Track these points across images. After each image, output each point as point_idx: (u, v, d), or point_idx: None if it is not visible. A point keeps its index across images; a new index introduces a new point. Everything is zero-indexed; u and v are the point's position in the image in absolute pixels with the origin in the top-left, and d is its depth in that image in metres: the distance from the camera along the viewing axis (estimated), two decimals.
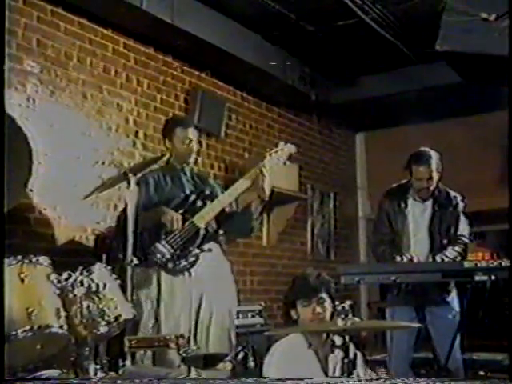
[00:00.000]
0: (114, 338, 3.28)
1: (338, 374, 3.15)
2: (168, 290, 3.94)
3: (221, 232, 4.17)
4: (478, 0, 3.89)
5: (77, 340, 3.04)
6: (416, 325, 3.99)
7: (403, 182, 4.58)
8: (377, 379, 3.41)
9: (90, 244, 4.66)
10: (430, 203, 4.50)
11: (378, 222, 4.64)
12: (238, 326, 4.39)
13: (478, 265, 3.80)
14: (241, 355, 4.16)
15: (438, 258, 4.27)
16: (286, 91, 6.45)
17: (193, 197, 4.14)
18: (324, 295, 3.39)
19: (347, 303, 2.85)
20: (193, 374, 3.01)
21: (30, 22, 4.40)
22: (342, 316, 2.82)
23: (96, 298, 3.10)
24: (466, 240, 4.46)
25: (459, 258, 4.33)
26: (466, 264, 3.88)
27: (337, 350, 3.04)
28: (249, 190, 4.14)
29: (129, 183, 3.57)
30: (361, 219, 8.04)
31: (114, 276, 3.29)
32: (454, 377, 4.08)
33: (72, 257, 4.25)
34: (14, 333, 2.80)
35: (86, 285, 3.09)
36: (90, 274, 3.15)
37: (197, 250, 3.99)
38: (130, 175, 3.58)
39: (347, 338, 2.86)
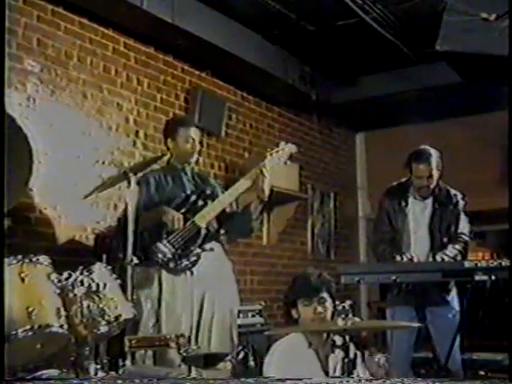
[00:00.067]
0: (114, 337, 3.28)
1: (338, 373, 3.15)
2: (169, 289, 3.95)
3: (222, 231, 4.17)
4: (478, 0, 3.88)
5: (77, 339, 3.04)
6: (416, 324, 3.99)
7: (403, 180, 4.58)
8: (377, 379, 3.41)
9: (90, 243, 4.66)
10: (430, 201, 4.50)
11: (378, 220, 4.64)
12: (238, 326, 4.39)
13: (478, 264, 3.80)
14: (241, 355, 4.16)
15: (438, 257, 4.27)
16: (287, 91, 6.45)
17: (194, 196, 4.15)
18: (325, 295, 3.39)
19: (347, 303, 2.85)
20: (193, 373, 3.01)
21: (31, 21, 4.40)
22: (343, 316, 2.82)
23: (96, 298, 3.10)
24: (467, 238, 4.46)
25: (459, 256, 4.33)
26: (466, 264, 3.88)
27: (337, 350, 3.04)
28: (249, 190, 4.14)
29: (129, 183, 3.57)
30: (361, 219, 8.05)
31: (114, 276, 3.29)
32: (453, 377, 4.08)
33: (72, 256, 4.24)
34: (14, 332, 2.80)
35: (86, 284, 3.09)
36: (91, 273, 3.14)
37: (198, 250, 3.99)
38: (131, 175, 3.58)
39: (347, 337, 2.86)
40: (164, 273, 3.96)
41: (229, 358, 3.53)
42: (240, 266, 5.67)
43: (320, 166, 7.37)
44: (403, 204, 4.51)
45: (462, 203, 4.50)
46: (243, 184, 4.12)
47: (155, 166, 4.24)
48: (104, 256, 3.51)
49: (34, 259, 3.02)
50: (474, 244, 5.44)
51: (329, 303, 3.37)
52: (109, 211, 4.79)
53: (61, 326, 2.93)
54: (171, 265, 3.95)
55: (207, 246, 4.03)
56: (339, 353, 2.96)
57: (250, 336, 4.68)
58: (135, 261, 3.50)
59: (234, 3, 5.29)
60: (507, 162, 4.25)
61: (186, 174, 4.30)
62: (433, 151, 4.45)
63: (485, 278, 3.71)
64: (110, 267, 3.30)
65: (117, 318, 3.13)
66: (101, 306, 3.09)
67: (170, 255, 3.95)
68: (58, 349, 3.04)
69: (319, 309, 3.35)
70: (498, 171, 6.34)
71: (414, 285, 4.05)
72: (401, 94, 6.68)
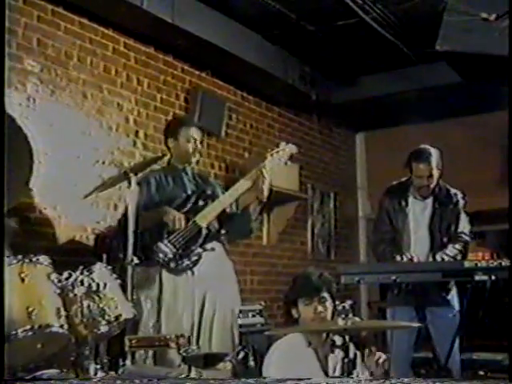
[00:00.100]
0: (115, 337, 3.28)
1: (338, 373, 3.16)
2: (170, 289, 3.95)
3: (223, 231, 4.17)
4: (479, 0, 3.88)
5: (77, 339, 3.04)
6: (416, 324, 3.99)
7: (403, 179, 4.58)
8: (377, 379, 3.41)
9: (90, 243, 4.66)
10: (430, 201, 4.50)
11: (378, 220, 4.65)
12: (239, 326, 4.39)
13: (478, 264, 3.80)
14: (241, 355, 4.16)
15: (438, 257, 4.27)
16: (287, 91, 6.44)
17: (195, 196, 4.16)
18: (325, 294, 3.40)
19: (347, 303, 2.85)
20: (193, 373, 3.01)
21: (31, 21, 4.40)
22: (343, 316, 2.82)
23: (96, 298, 3.10)
24: (467, 237, 4.46)
25: (459, 255, 4.33)
26: (466, 264, 3.88)
27: (337, 350, 3.04)
28: (248, 191, 4.14)
29: (129, 183, 3.57)
30: (361, 219, 8.04)
31: (115, 275, 3.29)
32: (452, 377, 4.08)
33: (72, 256, 4.24)
34: (14, 332, 2.80)
35: (86, 284, 3.09)
36: (91, 273, 3.15)
37: (199, 249, 3.99)
38: (131, 175, 3.59)
39: (347, 337, 2.86)
40: (165, 273, 3.96)
41: (229, 358, 3.52)
42: (240, 266, 5.66)
43: (320, 166, 7.37)
44: (403, 204, 4.51)
45: (462, 202, 4.51)
46: (243, 185, 4.12)
47: (155, 167, 4.25)
48: (104, 256, 3.51)
49: (34, 259, 3.02)
50: (473, 244, 5.43)
51: (329, 303, 3.39)
52: (109, 211, 4.79)
53: (61, 326, 2.93)
54: (172, 265, 3.96)
55: (208, 245, 4.04)
56: (339, 353, 2.96)
57: (250, 336, 4.68)
58: (135, 261, 3.51)
59: (234, 3, 5.29)
60: (507, 162, 4.25)
61: (186, 174, 4.31)
62: (433, 150, 4.45)
63: (485, 278, 3.71)
64: (110, 267, 3.30)
65: (117, 317, 3.14)
66: (101, 305, 3.09)
67: (171, 255, 3.95)
68: (58, 349, 3.04)
69: (319, 308, 3.36)
70: (498, 171, 6.33)
71: (414, 285, 4.05)
72: (401, 94, 6.68)
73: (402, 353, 4.33)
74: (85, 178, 4.52)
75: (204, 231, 4.05)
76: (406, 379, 2.71)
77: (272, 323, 5.40)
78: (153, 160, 4.23)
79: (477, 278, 3.74)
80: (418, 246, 4.44)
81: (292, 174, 6.36)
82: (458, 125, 7.03)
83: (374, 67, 6.47)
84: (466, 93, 6.25)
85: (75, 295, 3.07)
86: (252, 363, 3.94)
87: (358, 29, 5.54)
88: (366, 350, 3.20)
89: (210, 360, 3.16)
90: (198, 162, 4.54)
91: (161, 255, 3.94)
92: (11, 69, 4.18)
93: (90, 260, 3.42)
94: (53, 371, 3.01)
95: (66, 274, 3.10)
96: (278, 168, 4.28)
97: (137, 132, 5.15)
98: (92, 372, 3.02)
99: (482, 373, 4.77)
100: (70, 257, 4.18)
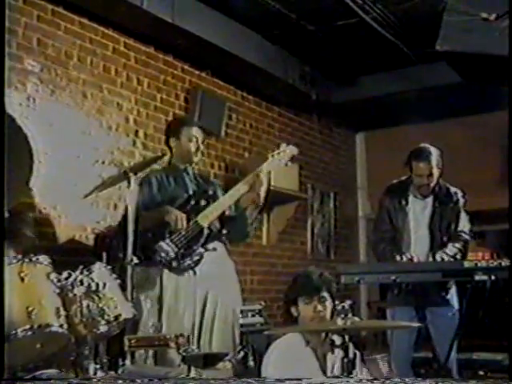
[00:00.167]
0: (114, 337, 3.28)
1: (336, 372, 3.16)
2: (172, 289, 3.95)
3: (224, 232, 4.17)
4: (478, 0, 3.88)
5: (77, 339, 3.04)
6: (416, 324, 3.99)
7: (403, 178, 4.58)
8: (376, 379, 3.41)
9: (90, 243, 4.66)
10: (430, 200, 4.50)
11: (378, 219, 4.64)
12: (240, 325, 4.39)
13: (478, 264, 3.80)
14: (240, 354, 4.16)
15: (437, 256, 4.27)
16: (287, 91, 6.44)
17: (196, 196, 4.16)
18: (325, 294, 3.41)
19: (347, 303, 2.85)
20: (193, 373, 3.01)
21: (31, 21, 4.40)
22: (342, 315, 2.82)
23: (96, 298, 3.10)
24: (467, 236, 4.46)
25: (459, 254, 4.33)
26: (466, 264, 3.88)
27: (336, 350, 3.04)
28: (246, 195, 4.15)
29: (129, 182, 3.57)
30: (361, 219, 8.05)
31: (114, 275, 3.29)
32: (452, 376, 4.08)
33: (72, 256, 4.24)
34: (13, 332, 2.80)
35: (85, 284, 3.09)
36: (90, 273, 3.15)
37: (201, 249, 3.99)
38: (131, 174, 3.59)
39: (347, 337, 2.86)
40: (166, 272, 3.95)
41: (228, 357, 3.53)
42: (240, 266, 5.66)
43: (320, 166, 7.37)
44: (403, 203, 4.51)
45: (462, 201, 4.51)
46: (240, 188, 4.12)
47: (156, 167, 4.25)
48: (104, 256, 3.51)
49: (33, 259, 3.02)
50: (473, 244, 5.44)
51: (329, 302, 3.40)
52: (109, 211, 4.80)
53: (60, 326, 2.93)
54: (174, 264, 3.95)
55: (210, 245, 4.04)
56: (338, 352, 2.96)
57: (249, 336, 4.68)
58: (135, 260, 3.51)
59: (234, 3, 5.28)
60: (507, 161, 4.24)
61: (187, 173, 4.31)
62: (433, 149, 4.45)
63: (485, 277, 3.71)
64: (109, 267, 3.30)
65: (116, 317, 3.14)
66: (100, 305, 3.10)
67: (173, 254, 3.95)
68: (57, 348, 3.04)
69: (319, 307, 3.38)
70: (497, 171, 6.33)
71: (414, 285, 4.05)
72: (401, 94, 6.68)
73: (403, 353, 4.34)
74: (85, 177, 4.52)
75: (206, 231, 4.05)
76: (406, 379, 2.71)
77: (272, 323, 5.40)
78: (152, 160, 4.23)
79: (477, 277, 3.74)
80: (418, 245, 4.44)
81: (292, 173, 6.36)
82: (458, 125, 7.03)
83: (374, 67, 6.47)
84: (466, 93, 6.24)
85: (75, 295, 3.07)
86: (251, 363, 3.95)
87: (358, 29, 5.54)
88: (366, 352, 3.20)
89: (209, 360, 3.16)
90: (199, 162, 4.54)
91: (163, 254, 3.94)
92: (11, 69, 4.18)
93: (89, 260, 3.43)
94: (52, 371, 3.01)
95: (65, 274, 3.10)
96: (279, 169, 4.28)
97: (137, 132, 5.15)
98: (91, 372, 3.03)
99: (481, 373, 4.77)
100: (70, 256, 4.18)
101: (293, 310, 3.47)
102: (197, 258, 3.98)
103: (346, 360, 2.82)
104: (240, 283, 4.39)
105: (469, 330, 4.17)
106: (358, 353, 2.93)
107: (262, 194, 4.14)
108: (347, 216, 7.81)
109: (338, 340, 2.91)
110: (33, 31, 4.41)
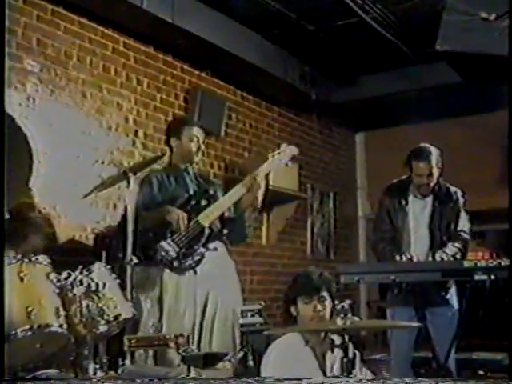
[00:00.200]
0: (114, 337, 3.28)
1: (335, 372, 3.16)
2: (173, 288, 3.95)
3: (225, 231, 4.17)
4: None
5: (76, 339, 3.04)
6: (415, 324, 3.99)
7: (403, 177, 4.58)
8: (376, 379, 3.41)
9: (89, 243, 4.66)
10: (430, 199, 4.50)
11: (378, 219, 4.64)
12: (240, 325, 4.39)
13: (478, 264, 3.79)
14: (240, 354, 4.16)
15: (437, 256, 4.27)
16: (286, 91, 6.44)
17: (197, 196, 4.16)
18: (325, 294, 3.41)
19: (347, 302, 2.85)
20: (192, 373, 3.01)
21: (30, 21, 4.40)
22: (342, 315, 2.81)
23: (95, 297, 3.10)
24: (466, 236, 4.45)
25: (459, 254, 4.32)
26: (466, 263, 3.87)
27: (336, 350, 3.04)
28: (244, 197, 4.15)
29: (128, 182, 3.58)
30: (360, 219, 8.05)
31: (114, 275, 3.29)
32: (452, 376, 4.08)
33: (72, 256, 4.24)
34: (13, 332, 2.80)
35: (85, 284, 3.10)
36: (90, 273, 3.15)
37: (202, 249, 3.99)
38: (130, 174, 3.59)
39: (346, 337, 2.86)
40: (167, 272, 3.95)
41: (228, 357, 3.53)
42: (240, 266, 5.66)
43: (320, 166, 7.37)
44: (403, 202, 4.50)
45: (461, 200, 4.50)
46: (239, 190, 4.11)
47: (156, 167, 4.25)
48: (103, 255, 3.51)
49: (33, 259, 3.02)
50: (473, 244, 5.43)
51: (328, 302, 3.40)
52: (108, 211, 4.80)
53: (60, 326, 2.93)
54: (175, 264, 3.95)
55: (211, 245, 4.04)
56: (338, 352, 2.96)
57: (249, 336, 4.68)
58: (135, 260, 3.51)
59: (234, 3, 5.28)
60: (507, 161, 4.24)
61: (188, 173, 4.31)
62: (433, 149, 4.45)
63: (484, 277, 3.71)
64: (109, 267, 3.30)
65: (116, 317, 3.14)
66: (100, 305, 3.10)
67: (174, 254, 3.95)
68: (57, 348, 3.04)
69: (319, 307, 3.38)
70: (497, 171, 6.34)
71: (414, 284, 4.05)
72: (401, 94, 6.68)
73: (403, 353, 4.34)
74: (84, 177, 4.52)
75: (207, 231, 4.05)
76: (406, 379, 2.71)
77: (271, 323, 5.40)
78: (152, 160, 4.23)
79: (476, 277, 3.73)
80: (417, 244, 4.44)
81: (291, 173, 6.36)
82: (458, 124, 7.03)
83: (373, 67, 6.47)
84: (465, 92, 6.25)
85: (74, 295, 3.07)
86: (251, 363, 3.95)
87: (358, 28, 5.54)
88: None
89: (209, 360, 3.16)
90: (199, 161, 4.54)
91: (164, 254, 3.93)
92: (11, 68, 4.18)
93: (89, 260, 3.42)
94: (52, 371, 3.01)
95: (65, 274, 3.10)
96: (279, 170, 4.28)
97: (136, 132, 5.15)
98: (91, 372, 3.03)
99: (481, 372, 4.77)
100: (70, 256, 4.18)
101: (292, 309, 3.48)
102: (198, 257, 3.98)
103: (345, 360, 2.81)
104: (240, 283, 4.39)
105: (468, 330, 4.17)
106: (357, 353, 2.92)
107: (260, 197, 4.14)
108: (347, 216, 7.81)
109: (337, 340, 2.91)
110: (32, 31, 4.41)
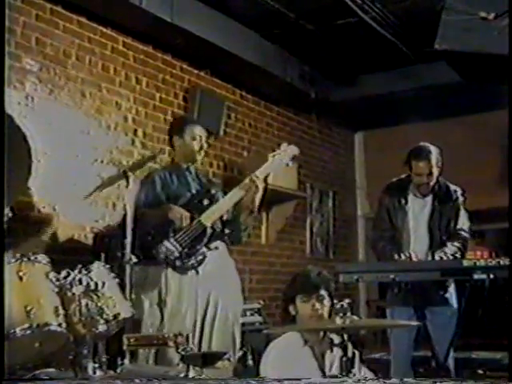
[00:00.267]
0: (113, 336, 3.28)
1: (334, 371, 3.16)
2: (175, 288, 3.94)
3: (227, 231, 4.16)
4: None
5: (75, 338, 3.04)
6: (415, 323, 3.99)
7: (403, 176, 4.57)
8: (376, 379, 3.41)
9: (88, 242, 4.66)
10: (429, 199, 4.49)
11: (378, 218, 4.64)
12: (242, 324, 4.40)
13: (477, 263, 3.79)
14: (239, 353, 4.16)
15: (437, 255, 4.27)
16: (286, 90, 6.44)
17: (199, 196, 4.16)
18: (323, 292, 3.42)
19: (346, 301, 2.85)
20: (191, 372, 3.01)
21: (29, 20, 4.40)
22: (341, 314, 2.81)
23: (95, 297, 3.10)
24: (466, 234, 4.45)
25: (459, 253, 4.32)
26: (465, 262, 3.87)
27: (335, 349, 3.04)
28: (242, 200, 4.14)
29: (127, 182, 3.58)
30: (360, 218, 8.05)
31: (113, 274, 3.29)
32: (451, 375, 4.08)
33: (71, 255, 4.24)
34: (12, 331, 2.80)
35: (84, 283, 3.09)
36: (89, 272, 3.15)
37: (204, 249, 3.99)
38: (129, 174, 3.59)
39: (345, 336, 2.86)
40: (169, 271, 3.95)
41: (227, 356, 3.52)
42: (239, 265, 5.66)
43: (319, 165, 7.37)
44: (403, 202, 4.50)
45: (461, 199, 4.50)
46: (238, 192, 4.10)
47: (155, 166, 4.25)
48: (103, 255, 3.51)
49: (32, 258, 3.02)
50: (473, 243, 5.43)
51: (327, 301, 3.41)
52: (107, 210, 4.79)
53: (59, 325, 2.93)
54: (178, 263, 3.95)
55: (212, 245, 4.04)
56: (337, 351, 2.96)
57: (248, 335, 4.68)
58: (134, 259, 3.51)
59: (233, 2, 5.29)
60: (507, 161, 4.25)
61: (190, 173, 4.31)
62: (432, 148, 4.44)
63: (483, 276, 3.71)
64: (108, 266, 3.30)
65: (115, 316, 3.14)
66: (99, 304, 3.10)
67: (177, 253, 3.94)
68: (56, 348, 3.04)
69: (317, 305, 3.38)
70: (497, 170, 6.34)
71: (413, 283, 4.05)
72: (400, 93, 6.67)
73: (402, 352, 4.34)
74: (83, 177, 4.52)
75: (209, 230, 4.04)
76: (406, 379, 2.71)
77: (270, 322, 5.41)
78: (149, 158, 4.24)
79: (475, 276, 3.74)
80: (417, 244, 4.44)
81: (291, 172, 6.36)
82: (458, 124, 7.03)
83: (373, 66, 6.47)
84: (465, 92, 6.24)
85: (73, 294, 3.07)
86: (250, 362, 3.95)
87: (357, 28, 5.54)
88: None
89: (208, 359, 3.15)
90: (202, 161, 4.54)
91: (167, 253, 3.92)
92: (10, 68, 4.17)
93: (88, 259, 3.43)
94: (51, 370, 3.01)
95: (64, 273, 3.10)
96: (280, 170, 4.27)
97: (135, 131, 5.15)
98: (90, 371, 3.03)
99: (480, 371, 4.76)
100: (69, 255, 4.19)
101: (291, 308, 3.48)
102: (200, 257, 3.98)
103: (344, 359, 2.81)
104: (241, 282, 4.39)
105: (468, 329, 4.17)
106: (356, 352, 2.92)
107: (257, 200, 4.13)
108: (346, 215, 7.81)
109: (336, 339, 2.92)
110: (31, 30, 4.40)
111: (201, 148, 4.28)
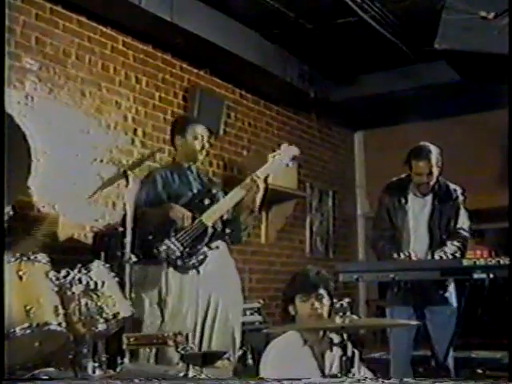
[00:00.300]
0: (113, 335, 3.28)
1: (334, 371, 3.16)
2: (177, 288, 3.94)
3: (227, 231, 4.16)
4: None
5: (75, 338, 3.04)
6: (414, 322, 3.99)
7: (403, 175, 4.57)
8: (376, 379, 3.41)
9: (88, 241, 4.66)
10: (429, 198, 4.49)
11: (378, 217, 4.63)
12: (242, 324, 4.40)
13: (477, 263, 3.79)
14: (239, 353, 4.16)
15: (436, 255, 4.27)
16: (285, 89, 6.44)
17: (200, 195, 4.15)
18: (323, 291, 3.42)
19: (345, 301, 2.85)
20: (191, 372, 3.01)
21: (29, 19, 4.40)
22: (341, 314, 2.81)
23: (94, 296, 3.10)
24: (466, 234, 4.45)
25: (459, 252, 4.32)
26: (465, 262, 3.87)
27: (335, 348, 3.04)
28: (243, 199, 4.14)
29: (127, 181, 3.58)
30: (359, 217, 8.05)
31: (113, 273, 3.29)
32: (451, 374, 4.08)
33: (70, 254, 4.24)
34: (12, 330, 2.80)
35: (84, 282, 3.09)
36: (89, 271, 3.15)
37: (205, 248, 3.99)
38: (129, 173, 3.59)
39: (345, 335, 2.86)
40: (170, 271, 3.94)
41: (227, 356, 3.53)
42: (239, 265, 5.66)
43: (319, 165, 7.37)
44: (403, 201, 4.50)
45: (461, 198, 4.50)
46: (239, 192, 4.10)
47: (156, 165, 4.25)
48: (102, 254, 3.51)
49: (32, 257, 3.02)
50: (472, 242, 5.43)
51: (326, 300, 3.40)
52: (107, 209, 4.79)
53: (59, 324, 2.93)
54: (179, 263, 3.94)
55: (213, 244, 4.03)
56: (337, 351, 2.96)
57: (248, 334, 4.68)
58: (133, 259, 3.51)
59: (233, 2, 5.29)
60: (507, 160, 4.25)
61: (191, 172, 4.31)
62: (432, 148, 4.44)
63: (483, 276, 3.71)
64: (108, 265, 3.30)
65: (115, 315, 3.14)
66: (99, 304, 3.09)
67: (178, 253, 3.94)
68: (56, 347, 3.04)
69: (316, 304, 3.38)
70: (497, 170, 6.33)
71: (413, 283, 4.05)
72: (400, 93, 6.67)
73: (402, 351, 4.33)
74: (83, 176, 4.52)
75: (210, 230, 4.04)
76: (405, 379, 2.71)
77: (270, 321, 5.41)
78: (148, 156, 4.23)
79: (475, 276, 3.73)
80: (417, 243, 4.43)
81: (290, 172, 6.35)
82: (458, 123, 7.02)
83: (372, 66, 6.47)
84: (465, 92, 6.24)
85: (73, 293, 3.07)
86: (250, 361, 3.95)
87: (357, 27, 5.54)
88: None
89: (208, 358, 3.15)
90: (203, 160, 4.54)
91: (168, 252, 3.92)
92: (10, 67, 4.17)
93: (88, 258, 3.42)
94: (51, 369, 3.01)
95: (64, 272, 3.10)
96: (280, 171, 4.26)
97: (135, 130, 5.15)
98: (90, 370, 3.03)
99: (480, 371, 4.76)
100: (69, 255, 4.19)
101: (290, 308, 3.47)
102: (201, 257, 3.97)
103: (344, 358, 2.81)
104: (241, 282, 4.39)
105: (467, 328, 4.16)
106: (356, 351, 2.92)
107: (258, 200, 4.13)
108: (346, 214, 7.82)
109: (336, 338, 2.91)
110: (31, 29, 4.40)
111: (202, 147, 4.28)
